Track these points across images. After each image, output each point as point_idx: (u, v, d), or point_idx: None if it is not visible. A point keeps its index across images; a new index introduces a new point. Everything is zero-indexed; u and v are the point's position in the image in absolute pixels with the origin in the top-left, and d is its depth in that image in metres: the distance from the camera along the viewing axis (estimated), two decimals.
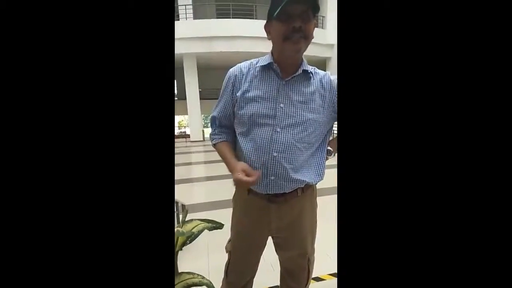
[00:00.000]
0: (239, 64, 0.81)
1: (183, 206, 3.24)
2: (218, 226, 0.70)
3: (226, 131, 0.87)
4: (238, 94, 0.78)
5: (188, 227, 0.68)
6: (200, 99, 10.58)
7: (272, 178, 0.74)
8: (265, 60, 0.76)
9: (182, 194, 2.88)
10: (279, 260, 0.96)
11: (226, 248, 0.91)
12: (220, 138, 0.86)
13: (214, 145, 0.88)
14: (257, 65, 0.77)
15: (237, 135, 0.82)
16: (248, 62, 0.81)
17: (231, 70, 0.82)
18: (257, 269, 0.97)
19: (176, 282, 0.60)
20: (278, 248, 0.90)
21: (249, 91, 0.77)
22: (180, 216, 2.89)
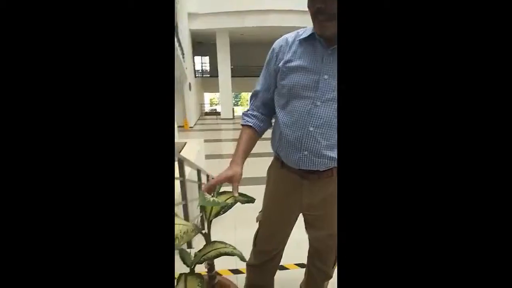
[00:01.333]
0: (285, 35, 0.78)
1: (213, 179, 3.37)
2: (250, 200, 0.70)
3: (261, 114, 0.85)
4: (281, 64, 0.75)
5: (222, 198, 0.68)
6: (232, 76, 10.55)
7: (306, 153, 0.72)
8: (308, 31, 0.72)
9: (211, 168, 2.99)
10: (309, 239, 0.95)
11: (257, 218, 0.94)
12: (249, 122, 0.84)
13: (242, 125, 0.86)
14: (302, 36, 0.73)
15: (275, 108, 0.80)
16: (294, 32, 0.77)
17: (276, 41, 0.79)
18: (285, 243, 0.97)
19: (209, 250, 0.61)
20: (308, 226, 0.89)
21: (292, 61, 0.73)
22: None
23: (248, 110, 0.88)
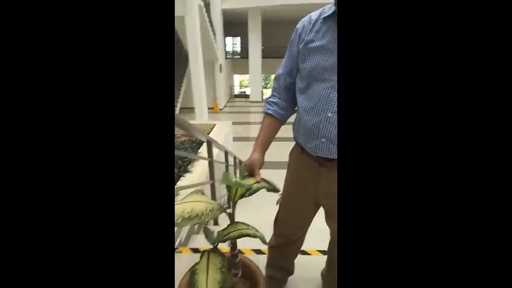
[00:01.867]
0: (311, 13, 0.72)
1: (240, 161, 3.45)
2: (275, 189, 0.70)
3: (282, 100, 0.82)
4: (302, 45, 0.71)
5: (249, 181, 0.68)
6: (262, 57, 10.31)
7: (323, 140, 0.69)
8: (331, 8, 0.66)
9: (239, 150, 3.04)
10: (330, 230, 0.93)
11: (277, 201, 0.94)
12: (269, 110, 0.82)
13: (263, 112, 0.85)
14: (326, 13, 0.67)
15: (296, 92, 0.77)
16: (320, 10, 0.71)
17: (301, 20, 0.74)
18: (305, 230, 0.97)
19: (232, 230, 0.62)
20: (326, 216, 0.88)
21: (313, 42, 0.68)
22: (237, 171, 3.13)
23: (270, 96, 0.85)
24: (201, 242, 1.53)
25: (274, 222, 0.97)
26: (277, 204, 0.95)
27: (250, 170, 0.74)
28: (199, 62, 5.91)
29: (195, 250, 1.36)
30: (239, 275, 0.81)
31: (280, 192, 0.93)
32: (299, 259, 1.25)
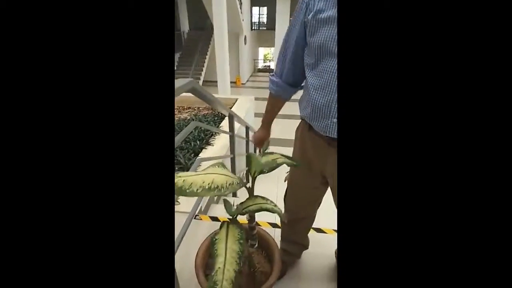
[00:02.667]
0: None
1: None
2: (296, 164, 0.69)
3: (284, 82, 0.80)
4: (310, 16, 0.63)
5: (270, 157, 0.68)
6: None
7: (334, 120, 0.64)
8: None
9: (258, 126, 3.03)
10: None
11: (285, 178, 0.95)
12: (272, 90, 0.83)
13: (270, 93, 0.85)
14: None
15: (305, 69, 0.71)
16: None
17: None
18: (314, 208, 0.97)
19: (250, 204, 0.64)
20: (334, 195, 0.86)
21: (323, 11, 0.60)
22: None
23: (272, 74, 0.83)
24: (219, 211, 1.60)
25: (284, 199, 0.99)
26: (285, 181, 0.96)
27: (257, 144, 0.81)
28: (223, 34, 5.74)
29: (214, 219, 1.43)
30: (256, 246, 0.84)
31: (288, 170, 0.93)
32: (315, 237, 1.27)
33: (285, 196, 0.98)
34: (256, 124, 3.92)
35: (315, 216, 1.03)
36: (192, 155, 2.24)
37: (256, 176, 0.69)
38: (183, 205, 1.59)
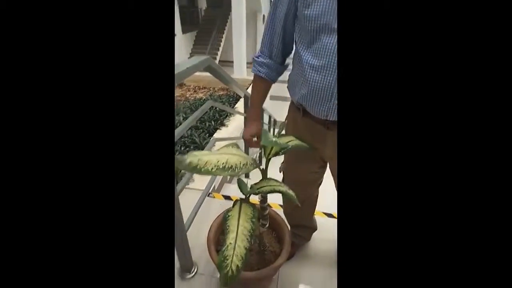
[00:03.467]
0: None
1: (274, 120, 3.42)
2: (308, 148, 0.67)
3: (273, 61, 0.72)
4: None
5: (283, 139, 0.67)
6: None
7: (336, 102, 0.60)
8: None
9: (275, 109, 2.99)
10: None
11: (280, 169, 0.91)
12: (260, 72, 0.73)
13: (254, 74, 0.75)
14: None
15: (297, 47, 0.64)
16: None
17: None
18: (314, 189, 0.95)
19: (264, 185, 0.64)
20: (335, 180, 0.84)
21: None
22: (271, 129, 3.14)
23: (258, 55, 0.73)
24: (232, 190, 1.64)
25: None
26: (280, 172, 0.92)
27: (251, 140, 0.76)
28: (241, 13, 5.54)
29: (227, 197, 1.47)
30: (267, 226, 0.86)
31: (283, 161, 0.90)
32: (326, 221, 1.28)
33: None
34: (271, 107, 3.87)
35: (317, 196, 1.01)
36: (207, 135, 2.27)
37: (271, 158, 0.68)
38: (198, 183, 1.63)
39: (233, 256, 0.50)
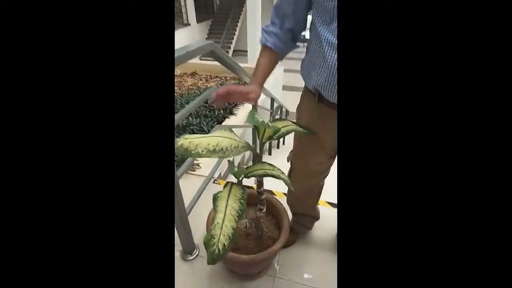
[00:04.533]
0: None
1: (287, 111, 3.38)
2: (310, 132, 0.66)
3: (284, 31, 0.67)
4: None
5: (278, 124, 0.66)
6: None
7: None
8: None
9: (286, 100, 2.95)
10: None
11: (288, 158, 0.89)
12: (268, 42, 0.68)
13: (262, 45, 0.70)
14: None
15: (315, 26, 0.62)
16: None
17: None
18: (321, 179, 0.93)
19: (257, 168, 0.64)
20: None
21: None
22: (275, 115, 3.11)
23: (269, 24, 0.70)
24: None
25: (288, 175, 0.94)
26: (288, 161, 0.90)
27: (249, 99, 0.64)
28: (256, 1, 5.43)
29: None
30: (264, 210, 0.87)
31: (291, 150, 0.88)
32: (330, 211, 1.27)
33: (289, 176, 0.94)
34: (283, 97, 3.82)
35: (322, 186, 1.00)
36: (216, 123, 2.28)
37: (265, 142, 0.68)
38: (204, 170, 1.66)
39: (220, 235, 0.51)
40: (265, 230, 0.95)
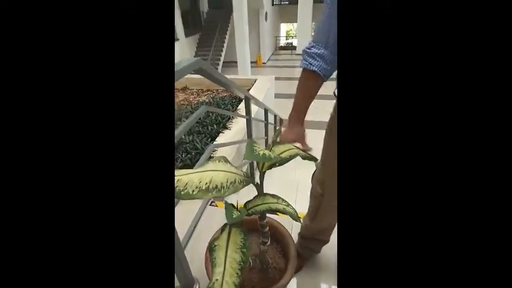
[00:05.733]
0: None
1: (280, 119, 3.32)
2: (312, 159, 0.58)
3: (330, 52, 0.58)
4: None
5: (278, 149, 0.58)
6: (314, 2, 9.13)
7: None
8: None
9: (280, 108, 2.89)
10: None
11: (316, 165, 0.78)
12: (313, 65, 0.59)
13: (303, 68, 0.61)
14: None
15: None
16: None
17: None
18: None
19: (258, 203, 0.55)
20: None
21: None
22: (277, 128, 3.05)
23: (311, 45, 0.60)
24: (240, 197, 1.56)
25: (312, 179, 0.85)
26: (314, 182, 0.83)
27: (298, 143, 0.62)
28: (243, 12, 5.45)
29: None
30: (268, 243, 0.78)
31: (319, 160, 0.80)
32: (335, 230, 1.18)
33: (313, 175, 0.84)
34: (276, 106, 3.77)
35: None
36: (209, 139, 2.20)
37: (265, 171, 0.60)
38: None
39: None
40: (270, 262, 0.85)
